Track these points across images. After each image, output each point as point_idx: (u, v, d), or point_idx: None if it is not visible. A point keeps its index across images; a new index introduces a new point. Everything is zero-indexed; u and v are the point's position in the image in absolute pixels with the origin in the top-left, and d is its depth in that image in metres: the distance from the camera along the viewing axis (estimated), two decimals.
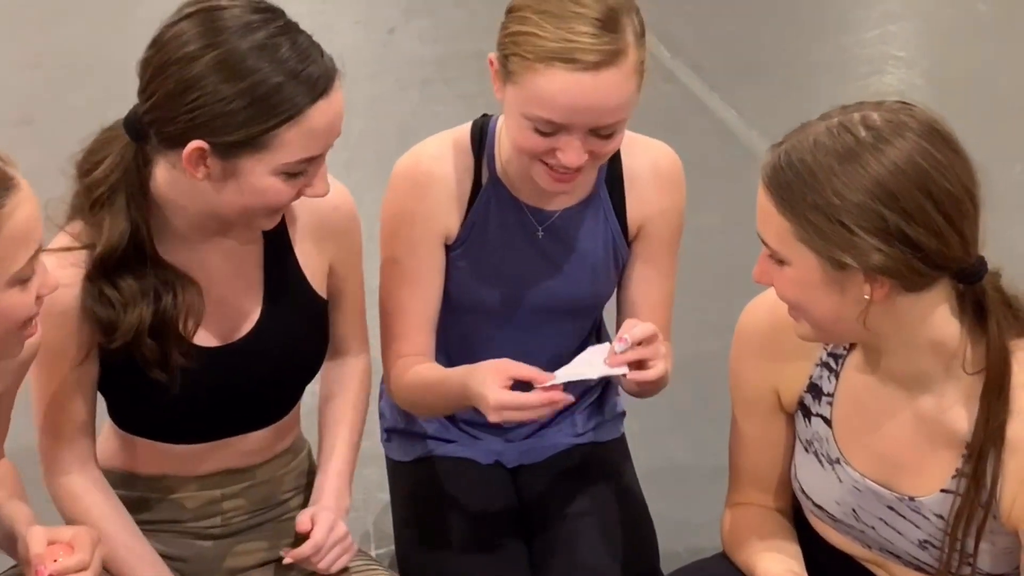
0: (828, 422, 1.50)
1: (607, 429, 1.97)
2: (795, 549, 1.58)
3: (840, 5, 5.63)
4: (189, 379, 1.57)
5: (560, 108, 1.56)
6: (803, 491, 1.56)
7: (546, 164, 1.63)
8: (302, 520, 1.65)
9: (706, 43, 4.91)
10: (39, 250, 1.34)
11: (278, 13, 1.49)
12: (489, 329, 1.80)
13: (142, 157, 1.51)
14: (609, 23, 1.54)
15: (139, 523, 1.66)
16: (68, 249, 1.52)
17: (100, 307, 1.51)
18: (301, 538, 1.67)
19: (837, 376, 1.50)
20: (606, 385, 1.96)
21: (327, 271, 1.69)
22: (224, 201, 1.50)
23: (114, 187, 1.51)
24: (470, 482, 1.88)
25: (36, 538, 1.40)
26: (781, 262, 1.36)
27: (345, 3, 5.46)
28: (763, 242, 1.38)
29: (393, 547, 1.93)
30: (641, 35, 1.58)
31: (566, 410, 1.93)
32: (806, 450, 1.54)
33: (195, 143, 1.44)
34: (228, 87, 1.42)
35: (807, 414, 1.53)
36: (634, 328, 1.57)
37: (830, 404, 1.50)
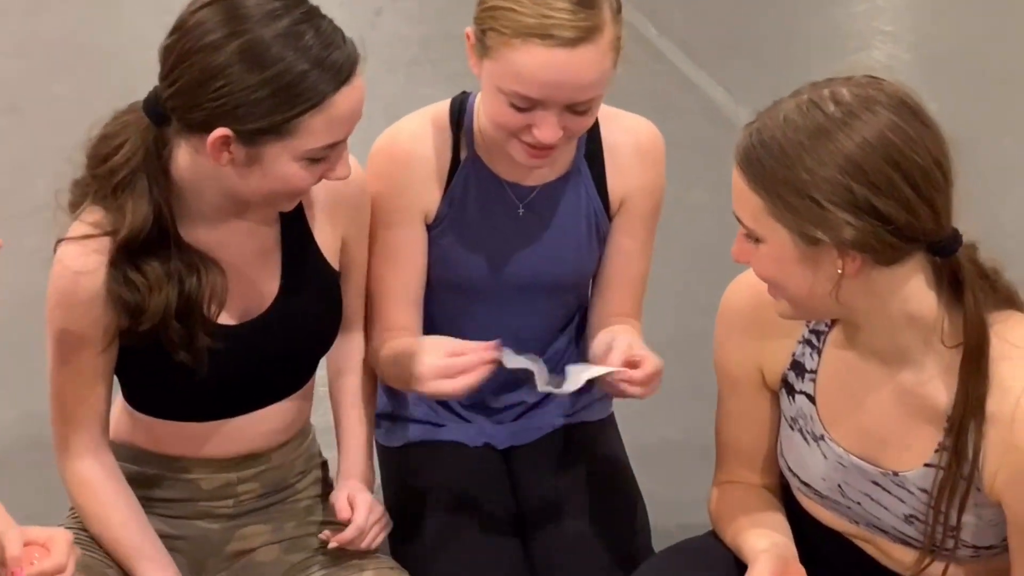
0: (812, 399, 1.51)
1: (596, 408, 1.98)
2: (782, 523, 1.59)
3: None
4: (212, 357, 1.58)
5: (537, 84, 1.57)
6: (790, 469, 1.57)
7: (521, 140, 1.63)
8: (341, 506, 1.68)
9: (694, 21, 4.90)
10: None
11: None
12: (474, 307, 1.80)
13: (162, 141, 1.53)
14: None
15: (152, 499, 1.67)
16: (89, 237, 1.53)
17: (126, 291, 1.52)
18: (314, 519, 1.71)
19: (819, 353, 1.50)
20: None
21: (340, 245, 1.72)
22: (247, 186, 1.52)
23: (135, 170, 1.52)
24: (460, 465, 1.89)
25: (13, 540, 1.40)
26: (757, 240, 1.38)
27: None
28: (739, 221, 1.39)
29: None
30: (618, 11, 1.59)
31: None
32: (791, 428, 1.55)
33: (220, 131, 1.45)
34: (253, 76, 1.44)
35: (791, 391, 1.54)
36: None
37: (813, 381, 1.51)
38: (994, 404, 1.37)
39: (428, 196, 1.76)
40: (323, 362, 1.81)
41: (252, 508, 1.74)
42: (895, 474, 1.46)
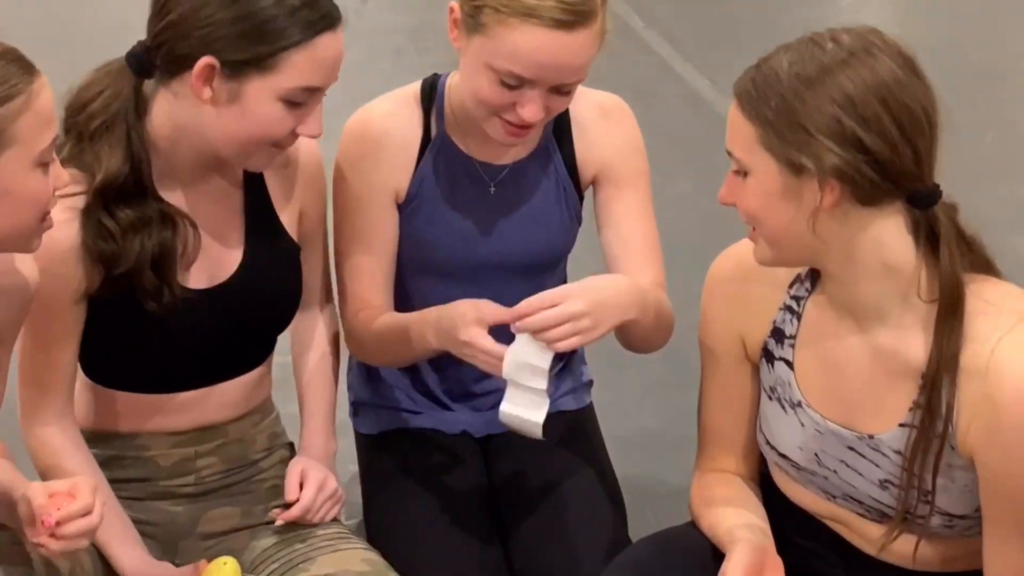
0: (790, 364, 1.53)
1: (574, 398, 1.98)
2: (761, 514, 1.60)
3: None
4: (177, 320, 1.60)
5: (532, 64, 1.59)
6: (768, 443, 1.58)
7: (502, 118, 1.64)
8: (291, 485, 1.69)
9: (680, 13, 4.91)
10: (56, 137, 1.40)
11: None
12: (448, 289, 1.80)
13: (141, 95, 1.56)
14: None
15: (112, 481, 1.67)
16: (64, 195, 1.52)
17: (100, 240, 1.55)
18: (282, 501, 1.71)
19: (799, 318, 1.53)
20: (571, 354, 1.96)
21: (298, 217, 1.73)
22: (224, 129, 1.54)
23: (114, 117, 1.56)
24: (438, 453, 1.89)
25: (36, 492, 1.42)
26: (745, 174, 1.42)
27: None
28: (731, 156, 1.44)
29: (362, 518, 1.93)
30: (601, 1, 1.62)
31: None
32: (769, 398, 1.57)
33: (206, 59, 1.50)
34: (242, 7, 1.49)
35: (770, 359, 1.56)
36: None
37: (792, 346, 1.53)
38: (968, 358, 1.39)
39: (399, 175, 1.77)
40: (288, 346, 1.82)
41: (215, 487, 1.75)
42: (870, 437, 1.48)
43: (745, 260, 1.51)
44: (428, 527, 1.78)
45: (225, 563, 1.61)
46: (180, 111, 1.55)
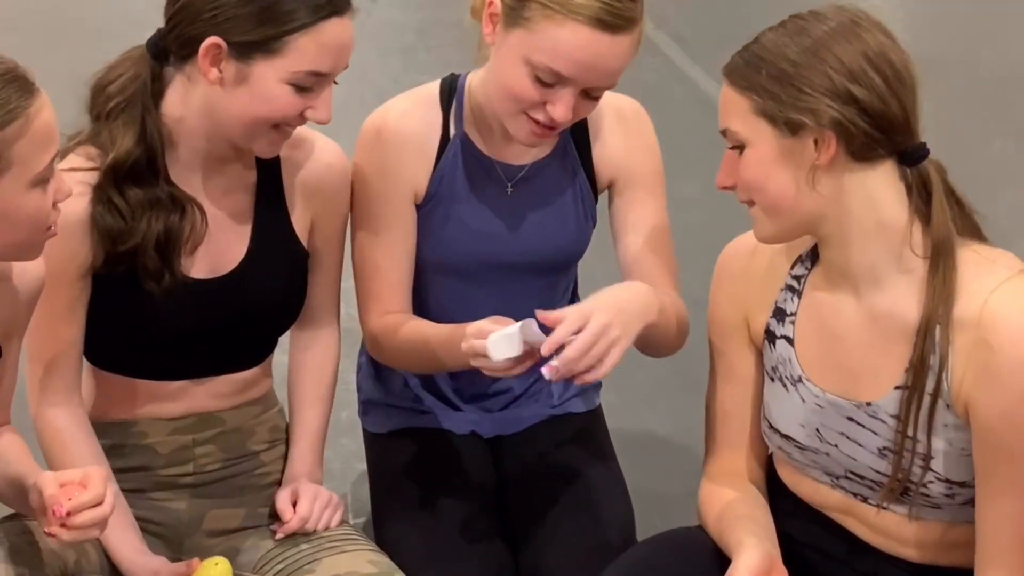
0: (790, 341, 1.56)
1: (583, 400, 1.98)
2: (768, 522, 1.61)
3: None
4: (174, 306, 1.62)
5: (573, 63, 1.60)
6: (771, 427, 1.60)
7: (529, 116, 1.64)
8: (282, 507, 1.71)
9: (689, 15, 4.91)
10: (57, 154, 1.41)
11: None
12: (464, 288, 1.80)
13: (159, 78, 1.59)
14: None
15: (113, 471, 1.67)
16: (77, 169, 1.58)
17: (109, 216, 1.58)
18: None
19: (799, 296, 1.57)
20: None
21: (309, 226, 1.74)
22: (233, 109, 1.57)
23: (130, 99, 1.59)
24: (447, 453, 1.89)
25: (48, 481, 1.42)
26: (741, 148, 1.47)
27: None
28: (725, 135, 1.49)
29: (370, 517, 1.93)
30: (643, 9, 1.64)
31: (541, 379, 1.93)
32: (771, 379, 1.60)
33: (212, 39, 1.53)
34: None
35: (772, 339, 1.59)
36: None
37: (792, 323, 1.57)
38: (960, 310, 1.43)
39: (417, 174, 1.77)
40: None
41: (216, 478, 1.75)
42: (868, 404, 1.50)
43: (749, 245, 1.58)
44: (436, 527, 1.78)
45: (217, 563, 1.61)
46: (193, 94, 1.58)
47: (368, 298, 1.80)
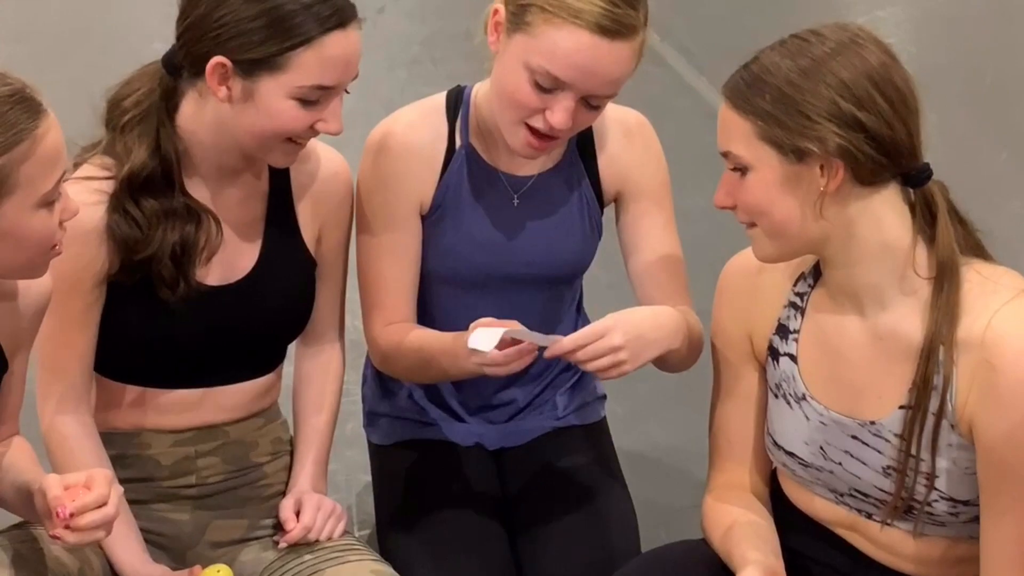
0: (794, 359, 1.56)
1: (588, 411, 1.98)
2: (773, 539, 1.60)
3: None
4: (186, 313, 1.63)
5: (571, 67, 1.60)
6: (775, 443, 1.59)
7: (528, 127, 1.65)
8: (286, 517, 1.71)
9: (694, 26, 4.91)
10: (64, 174, 1.41)
11: None
12: (469, 299, 1.81)
13: (173, 91, 1.62)
14: None
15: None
16: (93, 178, 1.60)
17: (124, 225, 1.59)
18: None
19: (803, 313, 1.56)
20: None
21: (317, 235, 1.75)
22: (243, 125, 1.58)
23: (144, 113, 1.62)
24: (451, 465, 1.89)
25: (52, 483, 1.42)
26: (744, 171, 1.45)
27: None
28: (725, 156, 1.48)
29: (375, 529, 1.93)
30: (647, 20, 1.64)
31: (547, 391, 1.93)
32: (775, 396, 1.59)
33: (217, 59, 1.55)
34: (252, 7, 1.53)
35: (775, 356, 1.59)
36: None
37: (796, 341, 1.56)
38: (964, 330, 1.43)
39: (423, 185, 1.77)
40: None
41: (218, 490, 1.75)
42: (872, 423, 1.50)
43: (752, 262, 1.56)
44: (440, 538, 1.78)
45: (219, 571, 1.61)
46: (205, 109, 1.60)
47: (373, 308, 1.80)
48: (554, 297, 1.87)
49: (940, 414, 1.44)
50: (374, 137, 1.79)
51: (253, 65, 1.54)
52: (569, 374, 1.96)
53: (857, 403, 1.52)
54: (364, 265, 1.80)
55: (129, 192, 1.59)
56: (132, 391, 1.71)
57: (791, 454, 1.58)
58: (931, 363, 1.43)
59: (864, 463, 1.52)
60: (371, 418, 1.99)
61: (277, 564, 1.71)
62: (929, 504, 1.48)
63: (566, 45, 1.58)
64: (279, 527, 1.73)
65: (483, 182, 1.78)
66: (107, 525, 1.42)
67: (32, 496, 1.46)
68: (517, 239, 1.79)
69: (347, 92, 1.62)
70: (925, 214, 1.46)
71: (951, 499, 1.48)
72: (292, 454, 1.84)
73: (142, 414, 1.71)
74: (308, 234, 1.74)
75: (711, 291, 1.67)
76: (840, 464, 1.54)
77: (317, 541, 1.70)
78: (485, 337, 1.54)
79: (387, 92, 4.29)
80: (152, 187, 1.60)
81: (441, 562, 1.75)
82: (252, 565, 1.73)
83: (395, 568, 1.70)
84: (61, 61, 4.41)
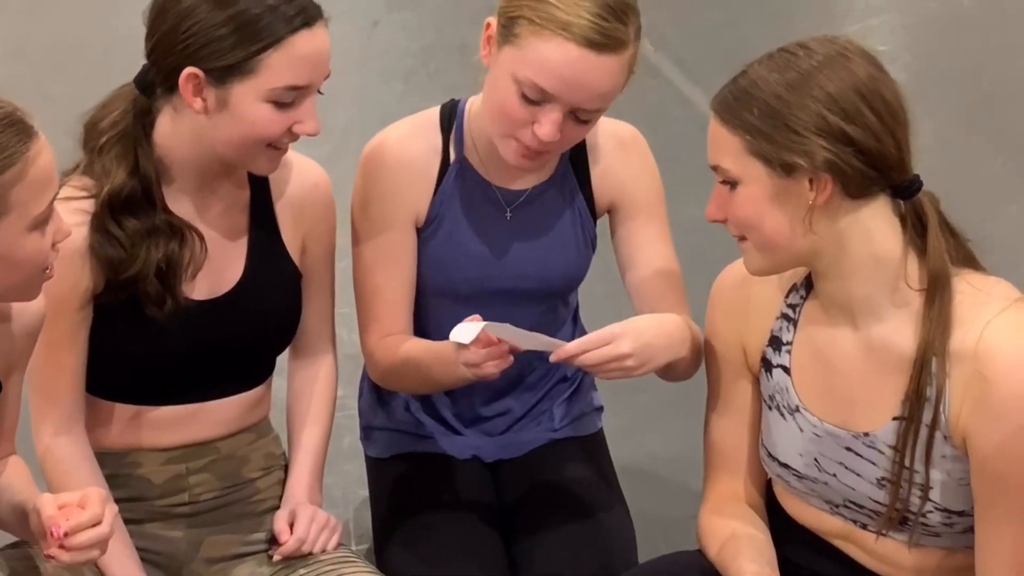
0: (787, 370, 1.56)
1: (584, 423, 1.98)
2: (770, 550, 1.60)
3: None
4: (174, 328, 1.63)
5: (556, 78, 1.60)
6: (769, 455, 1.59)
7: (518, 139, 1.65)
8: (280, 528, 1.70)
9: (689, 37, 4.91)
10: (55, 196, 1.42)
11: None
12: (462, 312, 1.80)
13: (148, 110, 1.62)
14: (619, 13, 1.60)
15: None
16: (73, 198, 1.60)
17: (107, 246, 1.59)
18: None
19: (795, 324, 1.56)
20: (581, 379, 1.96)
21: (301, 246, 1.76)
22: (222, 135, 1.59)
23: (121, 133, 1.62)
24: (448, 478, 1.89)
25: (46, 503, 1.42)
26: (734, 185, 1.46)
27: None
28: (715, 170, 1.48)
29: (372, 543, 1.93)
30: (639, 35, 1.64)
31: (543, 402, 1.93)
32: (769, 407, 1.59)
33: (188, 69, 1.55)
34: (218, 14, 1.54)
35: (768, 368, 1.59)
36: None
37: (789, 352, 1.56)
38: (957, 342, 1.43)
39: (418, 198, 1.77)
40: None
41: (211, 507, 1.75)
42: (866, 435, 1.50)
43: (744, 274, 1.56)
44: (437, 552, 1.78)
45: None
46: (182, 124, 1.60)
47: (369, 320, 1.81)
48: (549, 310, 1.88)
49: (933, 426, 1.44)
50: (369, 150, 1.79)
51: (224, 72, 1.55)
52: (566, 385, 1.96)
53: (850, 415, 1.52)
54: (360, 278, 1.80)
55: (110, 212, 1.60)
56: (123, 409, 1.71)
57: (785, 466, 1.58)
58: (924, 375, 1.43)
59: (858, 475, 1.52)
60: (367, 431, 1.99)
61: None
62: (924, 515, 1.48)
63: (553, 57, 1.59)
64: (273, 540, 1.73)
65: (476, 195, 1.78)
66: (101, 544, 1.42)
67: (27, 516, 1.47)
68: (510, 253, 1.80)
69: (320, 93, 1.62)
70: (916, 225, 1.46)
71: (945, 510, 1.48)
72: (286, 468, 1.84)
73: (133, 432, 1.71)
74: (292, 245, 1.74)
75: (704, 302, 1.67)
76: (834, 476, 1.54)
77: (311, 554, 1.70)
78: (466, 330, 1.54)
79: (383, 104, 4.29)
80: (133, 206, 1.61)
81: (439, 575, 1.75)
82: None
83: None
84: (60, 76, 4.41)
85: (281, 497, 1.79)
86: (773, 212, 1.44)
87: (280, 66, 1.55)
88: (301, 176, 1.74)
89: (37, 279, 1.44)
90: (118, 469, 1.72)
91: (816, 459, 1.54)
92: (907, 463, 1.46)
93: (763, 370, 1.60)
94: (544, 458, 1.92)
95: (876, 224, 1.45)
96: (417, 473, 1.90)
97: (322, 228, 1.77)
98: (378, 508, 1.93)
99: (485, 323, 1.53)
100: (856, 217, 1.44)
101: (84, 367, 1.67)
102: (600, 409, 2.02)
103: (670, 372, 1.70)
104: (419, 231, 1.79)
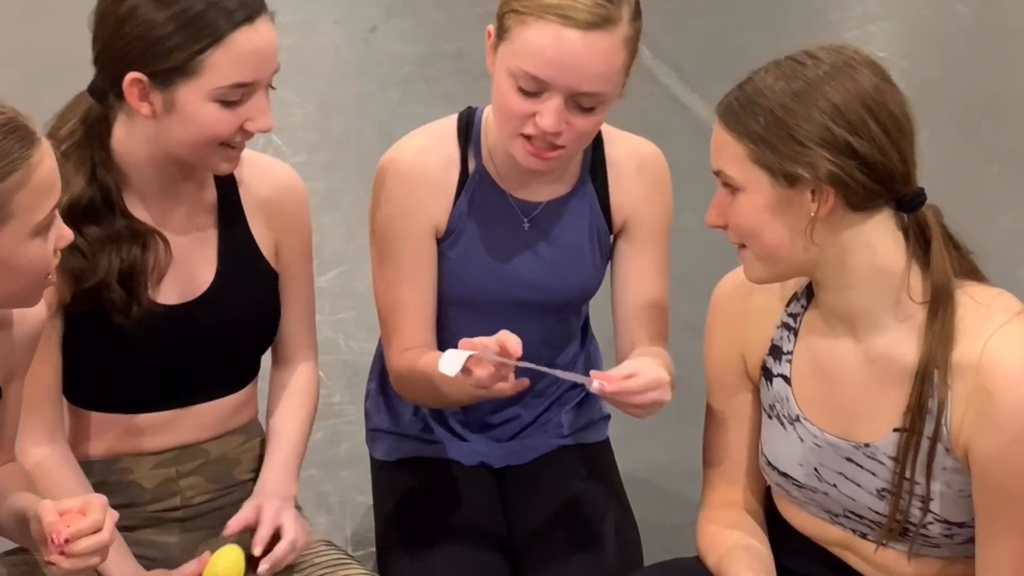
0: (787, 380, 1.55)
1: (592, 431, 1.97)
2: (765, 551, 1.60)
3: (820, 5, 5.65)
4: (148, 335, 1.62)
5: (544, 62, 1.58)
6: (769, 463, 1.59)
7: (524, 136, 1.63)
8: (245, 515, 1.64)
9: (687, 44, 4.92)
10: (58, 203, 1.42)
11: None
12: (478, 323, 1.80)
13: (104, 118, 1.61)
14: None
15: None
16: None
17: (70, 256, 1.55)
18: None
19: (796, 334, 1.55)
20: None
21: (275, 248, 1.74)
22: (173, 138, 1.57)
23: (79, 143, 1.60)
24: (454, 483, 1.88)
25: (47, 509, 1.42)
26: (735, 191, 1.44)
27: (326, 2, 5.44)
28: (718, 175, 1.47)
29: (372, 549, 1.93)
30: (636, 15, 1.61)
31: (551, 409, 1.93)
32: (769, 416, 1.59)
33: (132, 74, 1.53)
34: (159, 14, 1.52)
35: (769, 377, 1.58)
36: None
37: (789, 362, 1.56)
38: (960, 354, 1.42)
39: (437, 210, 1.76)
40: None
41: (204, 511, 1.75)
42: (866, 446, 1.50)
43: (744, 283, 1.56)
44: (441, 558, 1.78)
45: (229, 551, 1.58)
46: (136, 129, 1.60)
47: (391, 334, 1.79)
48: (561, 321, 1.87)
49: (935, 438, 1.44)
50: (385, 163, 1.77)
51: (168, 75, 1.53)
52: (575, 392, 1.96)
53: (851, 425, 1.51)
54: (381, 291, 1.79)
55: (71, 221, 1.57)
56: (107, 418, 1.70)
57: (785, 475, 1.57)
58: (926, 388, 1.42)
59: (859, 485, 1.51)
60: (373, 434, 1.98)
61: None
62: (924, 526, 1.48)
63: (539, 42, 1.57)
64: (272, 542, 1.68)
65: (495, 206, 1.77)
66: (102, 551, 1.42)
67: (28, 522, 1.46)
68: (526, 264, 1.79)
69: (273, 88, 1.60)
70: (919, 238, 1.46)
71: (946, 521, 1.48)
72: None
73: (120, 439, 1.71)
74: (265, 246, 1.73)
75: (703, 310, 1.67)
76: (835, 486, 1.53)
77: (303, 561, 1.67)
78: (452, 360, 1.51)
79: (380, 112, 4.28)
80: (93, 214, 1.60)
81: None
82: None
83: None
84: (54, 86, 4.40)
85: None
86: (774, 222, 1.43)
87: (223, 65, 1.53)
88: (272, 177, 1.73)
89: (39, 285, 1.44)
90: (108, 476, 1.72)
91: (816, 469, 1.54)
92: (908, 475, 1.46)
93: (763, 379, 1.59)
94: (551, 465, 1.91)
95: (879, 237, 1.44)
96: (423, 478, 1.89)
97: (294, 230, 1.76)
98: (382, 512, 1.92)
99: (472, 352, 1.51)
100: (859, 229, 1.43)
101: (59, 377, 1.66)
102: (607, 418, 2.01)
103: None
104: (439, 242, 1.78)
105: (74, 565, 1.41)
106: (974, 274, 1.49)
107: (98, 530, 1.40)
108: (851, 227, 1.43)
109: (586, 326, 1.97)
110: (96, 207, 1.60)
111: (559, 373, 1.61)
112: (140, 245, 1.61)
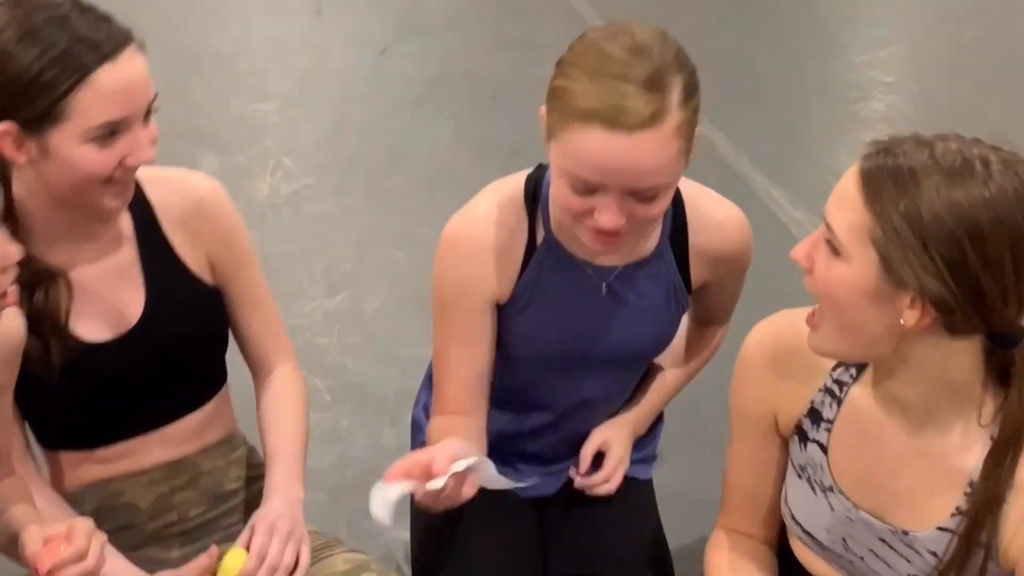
0: (824, 449, 1.49)
1: (642, 468, 1.94)
2: None
3: (830, 30, 5.66)
4: (88, 375, 1.60)
5: (593, 168, 1.49)
6: (792, 517, 1.55)
7: (586, 226, 1.56)
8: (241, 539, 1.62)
9: (698, 65, 4.93)
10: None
11: None
12: (546, 377, 1.78)
13: (4, 167, 1.54)
14: (652, 83, 1.46)
15: None
16: None
17: None
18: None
19: (839, 403, 1.48)
20: (655, 423, 1.95)
21: (207, 262, 1.71)
22: (54, 182, 1.53)
23: None
24: (495, 506, 1.80)
25: (32, 537, 1.41)
26: (837, 253, 1.33)
27: (337, 24, 5.46)
28: (828, 226, 1.34)
29: (409, 558, 1.91)
30: (688, 97, 1.49)
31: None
32: (799, 476, 1.53)
33: (3, 125, 1.49)
34: (25, 57, 1.47)
35: (803, 439, 1.52)
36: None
37: (828, 431, 1.49)
38: (1020, 476, 1.36)
39: (501, 282, 1.71)
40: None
41: (200, 524, 1.74)
42: (905, 533, 1.44)
43: (785, 338, 1.47)
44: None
45: (238, 555, 1.57)
46: (24, 177, 1.55)
47: (437, 395, 1.78)
48: (634, 371, 1.87)
49: (988, 549, 1.38)
50: (449, 232, 1.71)
51: (36, 122, 1.49)
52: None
53: (891, 509, 1.45)
54: (436, 354, 1.77)
55: None
56: (83, 455, 1.69)
57: (809, 533, 1.52)
58: (985, 515, 1.36)
59: (889, 565, 1.46)
60: (420, 443, 1.91)
61: None
62: None
63: (584, 148, 1.46)
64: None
65: (569, 274, 1.71)
66: None
67: (18, 536, 1.45)
68: (603, 327, 1.74)
69: (152, 113, 1.55)
70: (1002, 373, 1.37)
71: None
72: None
73: (100, 468, 1.70)
74: (196, 264, 1.70)
75: (734, 333, 1.63)
76: (862, 559, 1.48)
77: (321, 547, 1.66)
78: (380, 503, 1.37)
79: (390, 135, 4.29)
80: None
81: None
82: None
83: None
84: None
85: None
86: (864, 306, 1.32)
87: (89, 105, 1.48)
88: (184, 193, 1.69)
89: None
90: (102, 501, 1.71)
91: (844, 539, 1.49)
92: (950, 575, 1.40)
93: (797, 439, 1.52)
94: (591, 496, 1.87)
95: (961, 357, 1.35)
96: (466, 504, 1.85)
97: (223, 238, 1.72)
98: (418, 530, 1.89)
99: (405, 485, 1.43)
100: (945, 346, 1.33)
101: (10, 419, 1.61)
102: (653, 459, 1.98)
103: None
104: (503, 307, 1.73)
105: None
106: None
107: (81, 558, 1.39)
108: (938, 343, 1.33)
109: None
110: None
111: (504, 483, 1.55)
112: (42, 290, 1.57)
